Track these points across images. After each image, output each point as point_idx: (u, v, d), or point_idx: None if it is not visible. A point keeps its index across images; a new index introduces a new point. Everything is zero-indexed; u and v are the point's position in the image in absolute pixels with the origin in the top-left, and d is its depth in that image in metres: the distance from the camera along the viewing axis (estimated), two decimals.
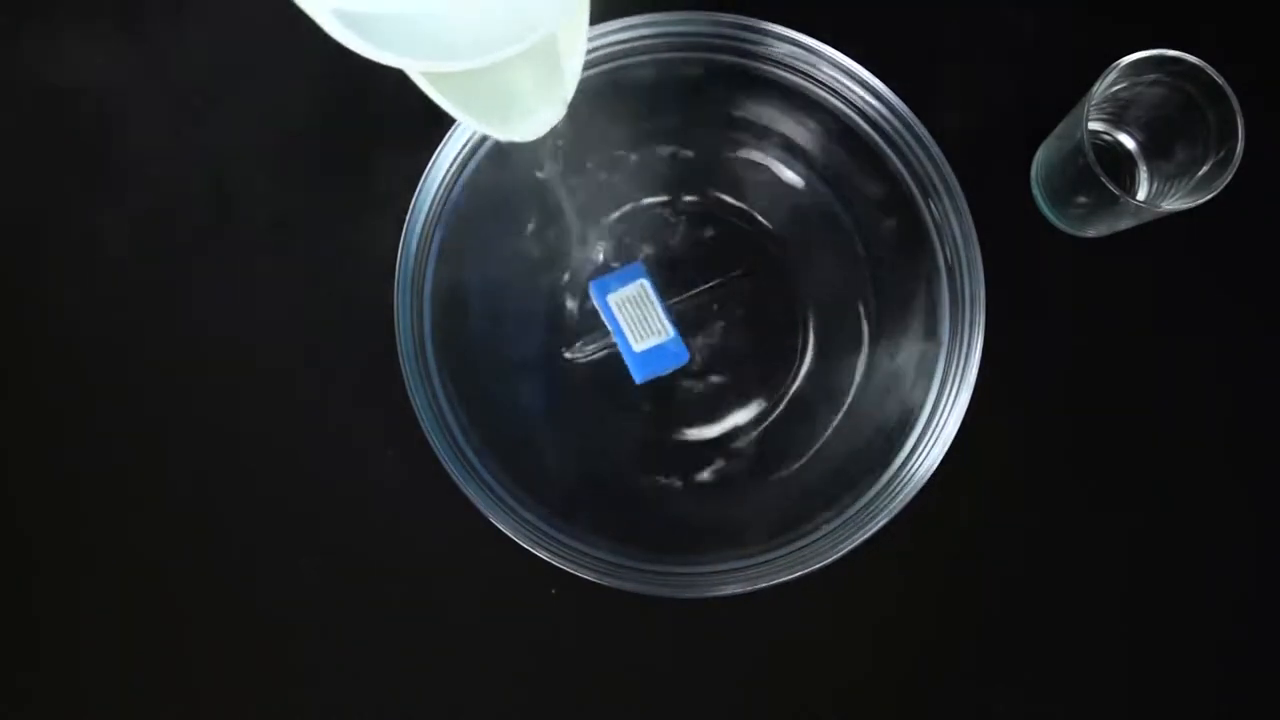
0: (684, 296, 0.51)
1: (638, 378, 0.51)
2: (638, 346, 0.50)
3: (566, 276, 0.52)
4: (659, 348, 0.50)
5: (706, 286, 0.51)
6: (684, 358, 0.51)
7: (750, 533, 0.47)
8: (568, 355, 0.51)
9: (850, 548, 0.44)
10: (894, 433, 0.47)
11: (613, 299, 0.50)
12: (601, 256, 0.52)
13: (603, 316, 0.51)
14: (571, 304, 0.52)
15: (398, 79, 0.30)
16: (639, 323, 0.50)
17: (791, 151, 0.51)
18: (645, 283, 0.50)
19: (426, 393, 0.45)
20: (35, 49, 0.54)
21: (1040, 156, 0.52)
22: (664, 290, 0.52)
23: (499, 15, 0.26)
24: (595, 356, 0.51)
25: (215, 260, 0.53)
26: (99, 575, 0.51)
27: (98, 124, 0.54)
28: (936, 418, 0.46)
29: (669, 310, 0.51)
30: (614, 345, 0.51)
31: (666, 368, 0.51)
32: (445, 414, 0.46)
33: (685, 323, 0.52)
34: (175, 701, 0.51)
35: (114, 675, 0.51)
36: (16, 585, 0.52)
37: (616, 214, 0.53)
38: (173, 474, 0.52)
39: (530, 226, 0.51)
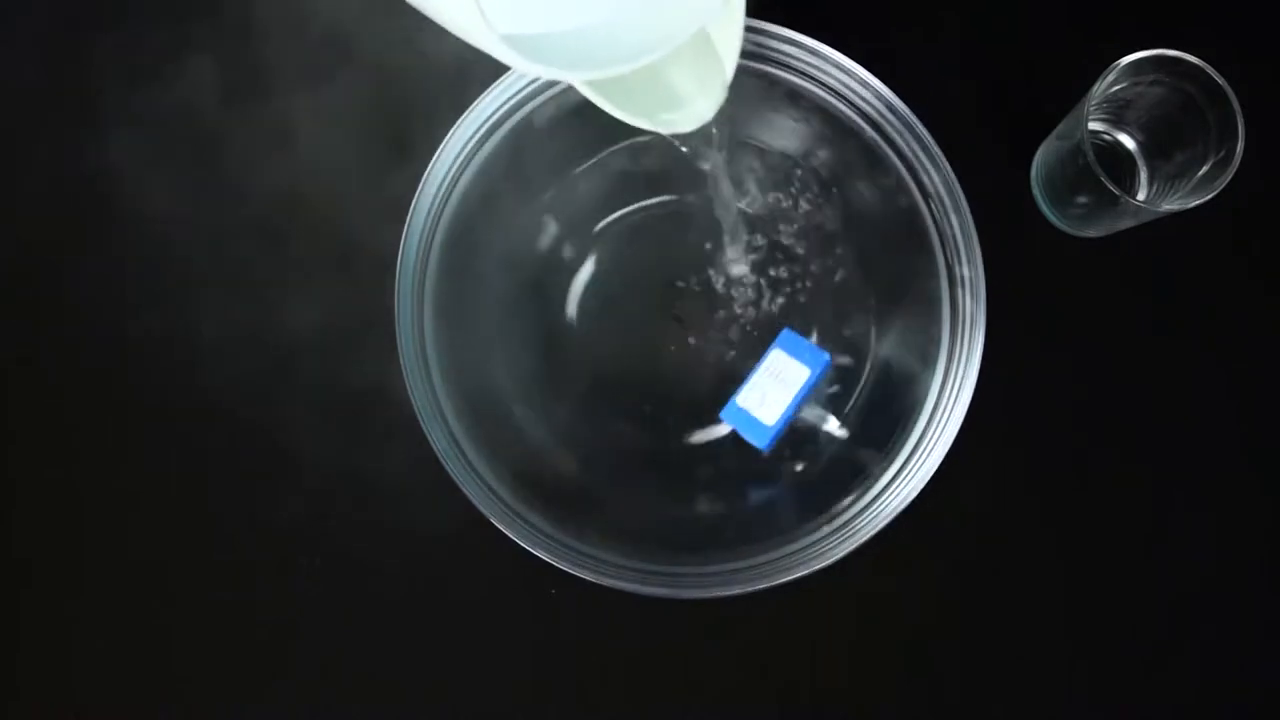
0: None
1: (723, 417, 0.49)
2: (743, 402, 0.48)
3: (567, 275, 0.52)
4: (753, 419, 0.48)
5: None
6: (763, 448, 0.49)
7: (750, 533, 0.47)
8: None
9: (851, 548, 0.44)
10: (894, 433, 0.47)
11: (777, 357, 0.48)
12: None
13: (765, 356, 0.49)
14: (572, 304, 0.52)
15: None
16: (768, 389, 0.48)
17: (791, 152, 0.51)
18: (812, 378, 0.48)
19: (426, 393, 0.45)
20: None
21: (1040, 156, 0.52)
22: (641, 299, 0.52)
23: (655, 17, 0.27)
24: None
25: (215, 260, 0.53)
26: (98, 575, 0.51)
27: None
28: (937, 418, 0.46)
29: (795, 411, 0.48)
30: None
31: (742, 434, 0.48)
32: (445, 414, 0.46)
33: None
34: (174, 701, 0.51)
35: (112, 676, 0.51)
36: (14, 585, 0.52)
37: (614, 215, 0.53)
38: (171, 474, 0.52)
39: (531, 227, 0.51)
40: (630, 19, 0.27)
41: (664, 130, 0.37)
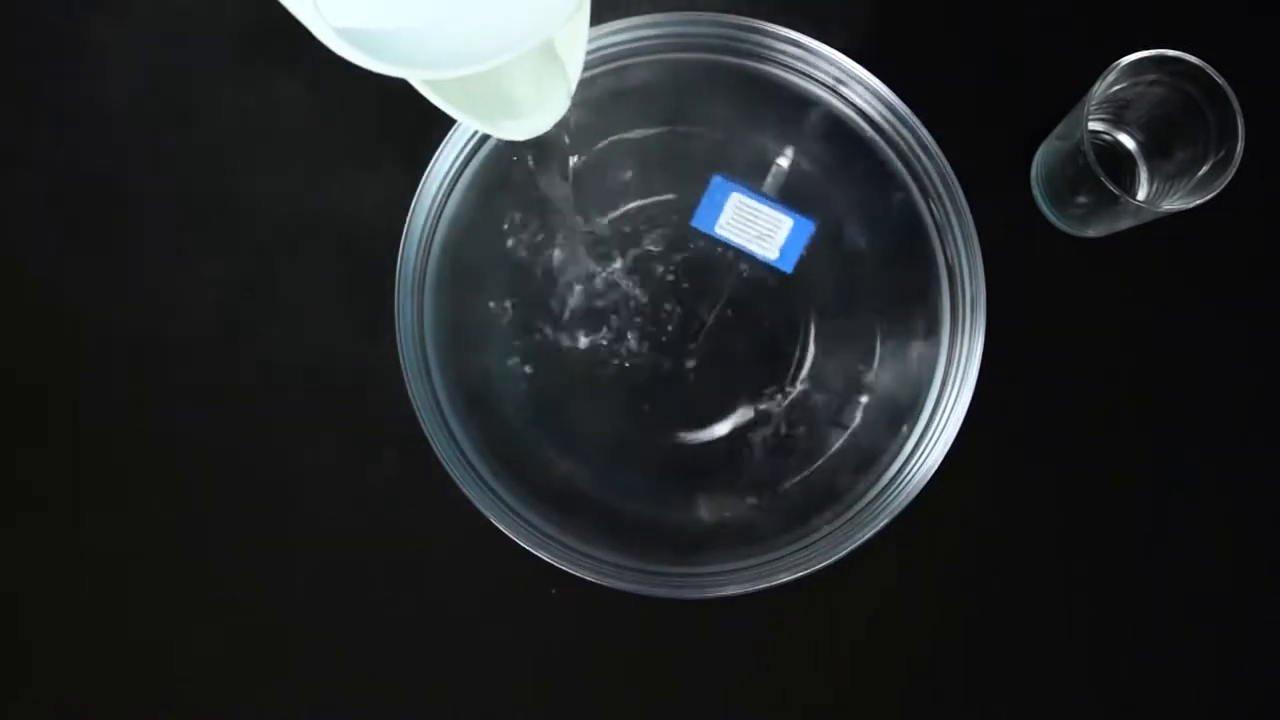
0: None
1: (789, 268, 0.49)
2: (771, 253, 0.48)
3: (568, 276, 0.52)
4: (789, 237, 0.48)
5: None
6: (811, 227, 0.49)
7: (750, 534, 0.47)
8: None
9: (850, 548, 0.44)
10: (894, 433, 0.47)
11: (720, 228, 0.48)
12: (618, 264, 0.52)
13: (725, 243, 0.49)
14: (573, 302, 0.52)
15: (400, 82, 0.30)
16: (758, 231, 0.48)
17: (791, 152, 0.51)
18: (738, 194, 0.48)
19: (427, 393, 0.45)
20: None
21: (1040, 156, 0.52)
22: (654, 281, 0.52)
23: (497, 24, 0.27)
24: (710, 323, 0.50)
25: (215, 260, 0.53)
26: (98, 575, 0.51)
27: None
28: (936, 418, 0.46)
29: (771, 200, 0.49)
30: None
31: (804, 244, 0.49)
32: (445, 414, 0.46)
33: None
34: (174, 701, 0.51)
35: (110, 675, 0.51)
36: (13, 584, 0.52)
37: (617, 213, 0.53)
38: (172, 473, 0.52)
39: (532, 227, 0.51)
40: (472, 23, 0.27)
41: (504, 136, 0.37)
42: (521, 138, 0.37)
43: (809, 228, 0.49)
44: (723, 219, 0.49)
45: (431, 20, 0.26)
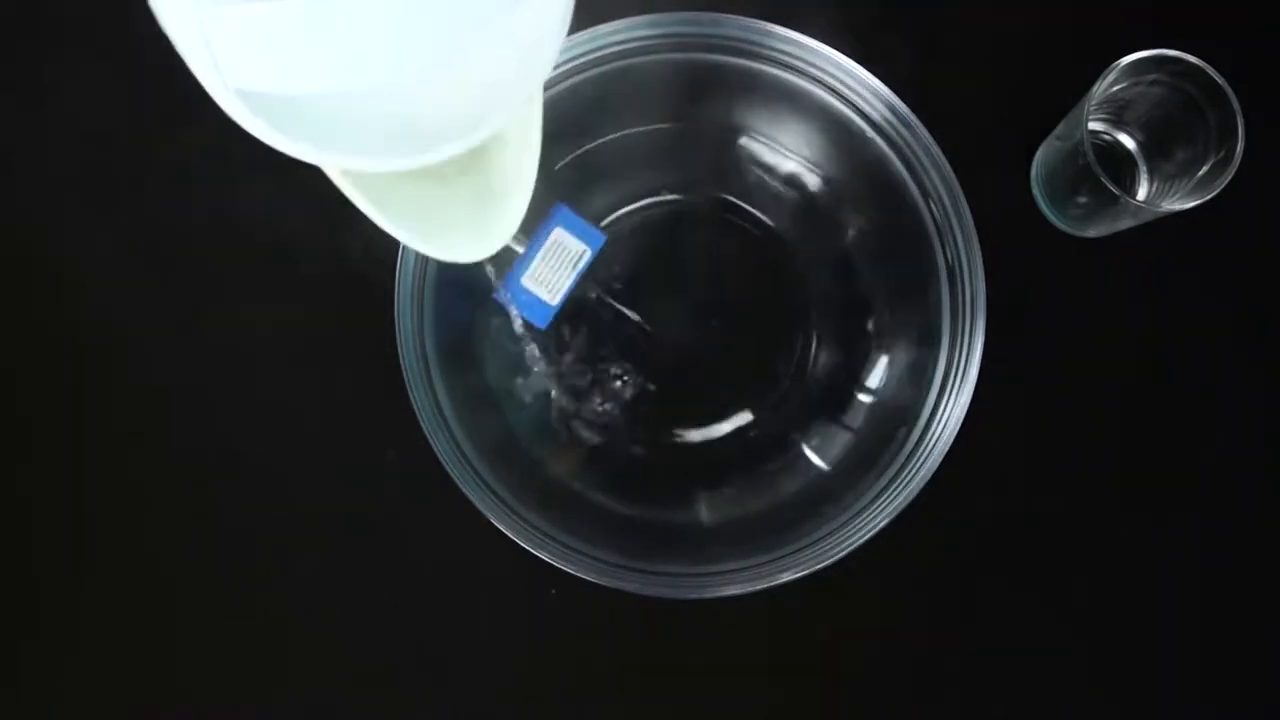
0: (597, 293, 0.50)
1: (496, 293, 0.48)
2: (526, 281, 0.47)
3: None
4: (537, 300, 0.47)
5: (618, 307, 0.50)
6: (541, 326, 0.48)
7: (750, 534, 0.47)
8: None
9: (850, 548, 0.44)
10: (894, 433, 0.47)
11: (558, 234, 0.47)
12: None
13: (537, 229, 0.48)
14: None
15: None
16: (549, 268, 0.47)
17: (791, 152, 0.51)
18: (589, 253, 0.48)
19: (426, 393, 0.45)
20: None
21: (1040, 156, 0.52)
22: (641, 298, 0.52)
23: (436, 102, 0.22)
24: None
25: (215, 261, 0.53)
26: (98, 574, 0.51)
27: None
28: (936, 418, 0.46)
29: (576, 285, 0.48)
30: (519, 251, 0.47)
31: (521, 312, 0.48)
32: (445, 414, 0.46)
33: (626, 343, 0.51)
34: (174, 701, 0.51)
35: (111, 675, 0.51)
36: (17, 582, 0.52)
37: (614, 215, 0.53)
38: (172, 473, 0.52)
39: (532, 227, 0.51)
40: (404, 100, 0.22)
41: (430, 254, 0.31)
42: (448, 259, 0.32)
43: (539, 323, 0.48)
44: (566, 236, 0.48)
45: (355, 88, 0.21)
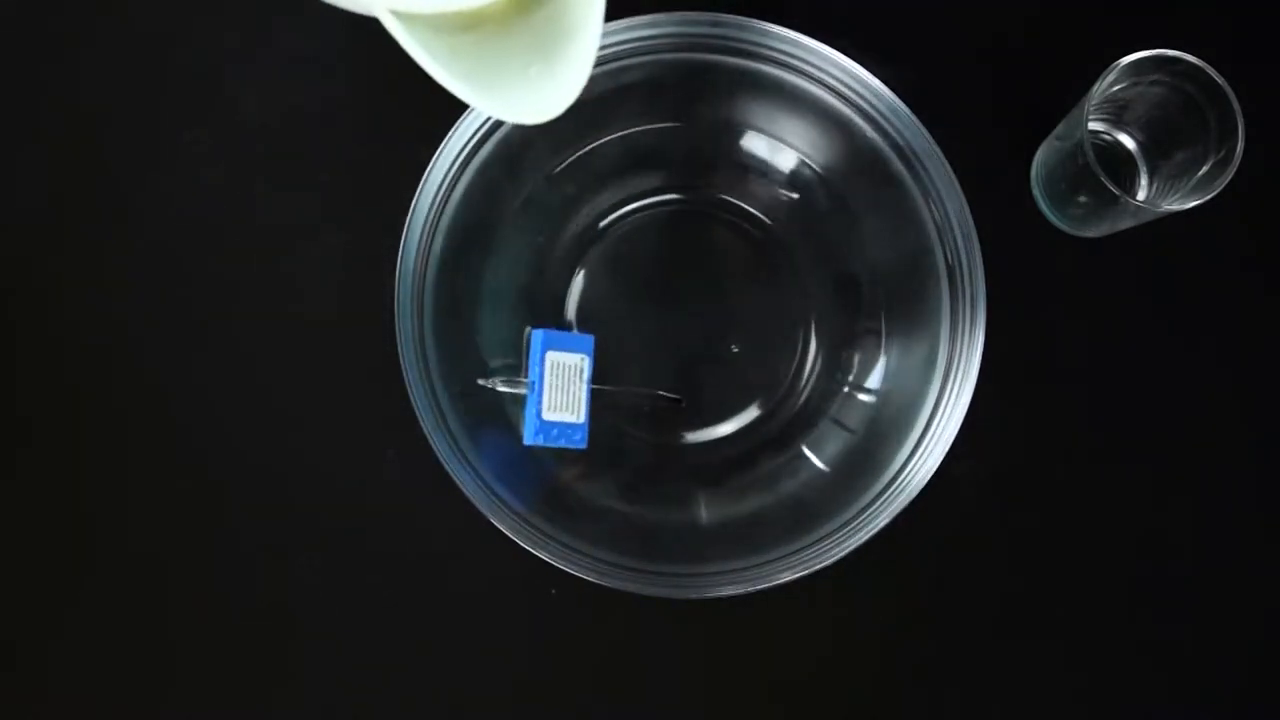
0: (616, 389, 0.50)
1: (528, 440, 0.48)
2: (547, 415, 0.47)
3: (567, 275, 0.52)
4: (565, 425, 0.48)
5: (642, 390, 0.50)
6: (581, 446, 0.48)
7: (750, 534, 0.47)
8: (480, 383, 0.47)
9: (850, 548, 0.44)
10: (894, 433, 0.47)
11: (551, 357, 0.48)
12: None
13: (529, 363, 0.48)
14: (572, 303, 0.52)
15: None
16: (560, 392, 0.47)
17: (791, 152, 0.51)
18: (588, 360, 0.48)
19: (426, 393, 0.45)
20: None
21: (1040, 156, 0.52)
22: (642, 299, 0.52)
23: None
24: (505, 392, 0.48)
25: (215, 260, 0.53)
26: (98, 575, 0.51)
27: None
28: (936, 418, 0.46)
29: (591, 394, 0.49)
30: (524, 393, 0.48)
31: (559, 444, 0.48)
32: (445, 414, 0.46)
33: (611, 407, 0.51)
34: (174, 701, 0.51)
35: (110, 675, 0.51)
36: (17, 582, 0.52)
37: (614, 215, 0.53)
38: (173, 473, 0.52)
39: (532, 227, 0.51)
40: None
41: (502, 116, 0.30)
42: (522, 120, 0.30)
43: (578, 445, 0.48)
44: (559, 355, 0.48)
45: None
